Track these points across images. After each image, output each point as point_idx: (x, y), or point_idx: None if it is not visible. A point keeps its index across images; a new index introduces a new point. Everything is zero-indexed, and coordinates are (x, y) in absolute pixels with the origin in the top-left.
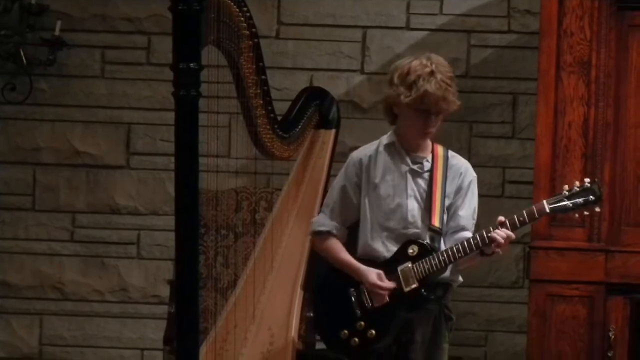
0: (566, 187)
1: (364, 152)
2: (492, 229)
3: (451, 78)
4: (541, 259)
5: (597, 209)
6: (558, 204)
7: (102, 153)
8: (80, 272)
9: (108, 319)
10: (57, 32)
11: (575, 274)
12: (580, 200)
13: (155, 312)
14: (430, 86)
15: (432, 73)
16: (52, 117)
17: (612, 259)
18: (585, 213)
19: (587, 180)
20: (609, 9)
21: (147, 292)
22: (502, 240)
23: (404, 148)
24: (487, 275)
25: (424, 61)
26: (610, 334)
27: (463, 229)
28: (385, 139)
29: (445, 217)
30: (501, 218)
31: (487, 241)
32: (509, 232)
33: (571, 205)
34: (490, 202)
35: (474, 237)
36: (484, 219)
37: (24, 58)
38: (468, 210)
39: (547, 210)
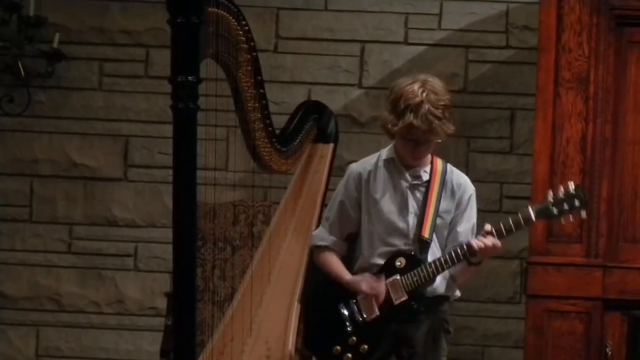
0: (550, 193)
1: (363, 166)
2: (478, 238)
3: (443, 107)
4: (539, 274)
5: (584, 215)
6: (543, 211)
7: (99, 165)
8: (77, 284)
9: (104, 330)
10: (55, 45)
11: (573, 290)
12: (565, 206)
13: (152, 324)
14: (416, 120)
15: (420, 104)
16: (50, 129)
17: (609, 275)
18: (571, 219)
19: (571, 185)
20: (608, 25)
21: (144, 304)
22: (489, 248)
23: (403, 164)
24: (483, 290)
25: (416, 88)
26: (607, 350)
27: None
28: (384, 154)
29: (445, 232)
30: (487, 227)
31: (475, 249)
32: (495, 241)
33: (556, 211)
34: (488, 217)
35: (460, 247)
36: None
37: (22, 70)
38: (467, 225)
39: (533, 217)
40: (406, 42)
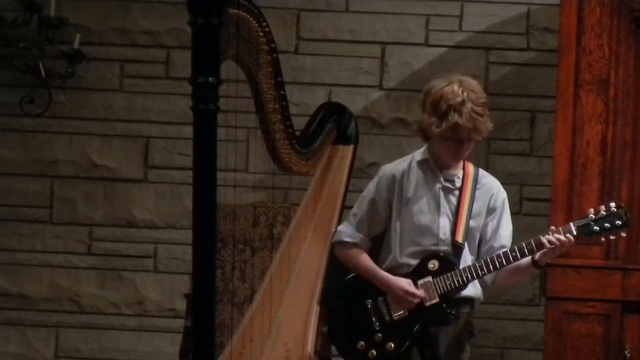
0: (592, 210)
1: (396, 167)
2: (516, 247)
3: (483, 104)
4: (558, 276)
5: (623, 234)
6: (585, 227)
7: (120, 166)
8: (97, 285)
9: (124, 332)
10: (76, 45)
11: (592, 292)
12: (607, 224)
13: (171, 325)
14: (461, 119)
15: (462, 103)
16: (71, 130)
17: (629, 277)
18: (612, 237)
19: (612, 204)
20: (628, 27)
21: (164, 306)
22: (564, 244)
23: (437, 166)
24: (503, 292)
25: (456, 88)
26: (626, 352)
27: (503, 247)
28: (418, 155)
29: (477, 235)
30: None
31: (521, 256)
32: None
33: (598, 228)
34: None
35: (498, 256)
36: None
37: (42, 71)
38: (506, 229)
39: (574, 232)
40: (427, 44)
